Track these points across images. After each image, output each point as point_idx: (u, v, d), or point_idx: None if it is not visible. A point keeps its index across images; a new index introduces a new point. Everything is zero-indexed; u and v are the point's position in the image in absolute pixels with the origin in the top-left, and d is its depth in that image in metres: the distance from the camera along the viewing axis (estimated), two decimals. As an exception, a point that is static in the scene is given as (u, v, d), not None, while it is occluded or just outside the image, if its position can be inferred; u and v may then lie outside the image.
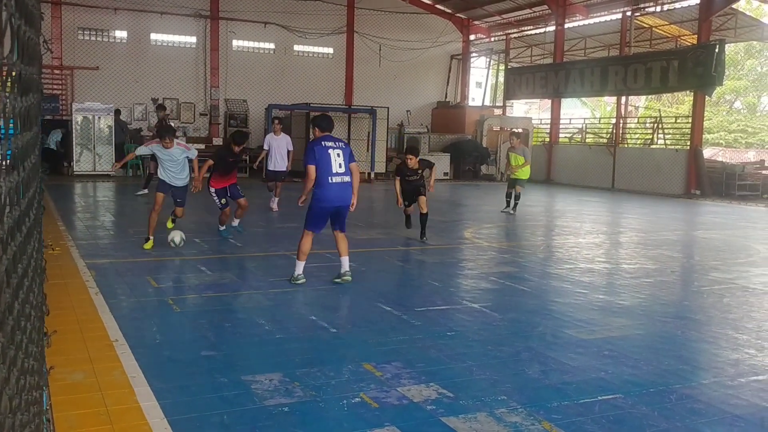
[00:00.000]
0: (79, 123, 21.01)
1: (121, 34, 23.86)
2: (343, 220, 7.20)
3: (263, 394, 4.16)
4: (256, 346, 5.16)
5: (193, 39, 24.75)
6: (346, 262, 7.28)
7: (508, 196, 14.86)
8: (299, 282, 7.10)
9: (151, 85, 23.99)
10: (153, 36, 24.26)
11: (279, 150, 13.93)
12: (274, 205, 14.02)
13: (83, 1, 22.59)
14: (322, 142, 6.92)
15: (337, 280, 7.28)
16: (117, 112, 22.66)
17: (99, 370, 4.46)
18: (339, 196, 6.91)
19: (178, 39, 24.67)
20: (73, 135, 20.94)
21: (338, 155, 6.85)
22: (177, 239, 9.03)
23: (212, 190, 10.25)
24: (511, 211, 14.56)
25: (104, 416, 3.77)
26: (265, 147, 14.21)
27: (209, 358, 4.82)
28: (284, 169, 14.07)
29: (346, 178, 6.92)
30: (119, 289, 6.77)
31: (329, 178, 6.78)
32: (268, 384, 4.32)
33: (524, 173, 14.63)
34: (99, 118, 21.29)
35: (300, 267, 7.18)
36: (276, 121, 14.60)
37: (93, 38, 23.38)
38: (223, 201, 10.21)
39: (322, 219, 7.09)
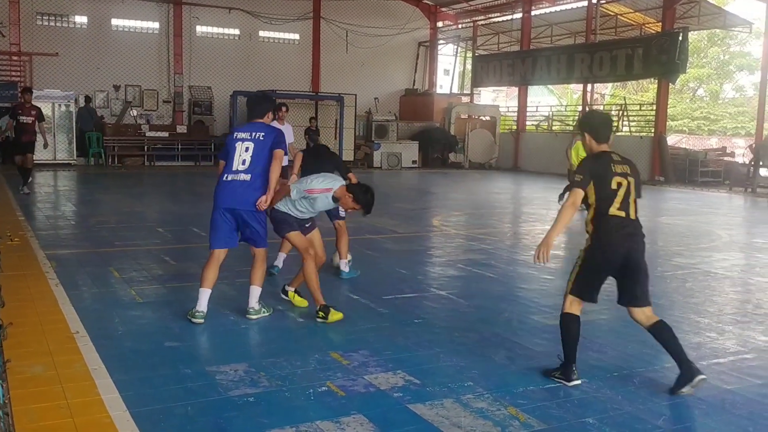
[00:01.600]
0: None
1: (81, 19, 23.34)
2: (251, 230, 5.52)
3: (228, 385, 4.11)
4: (220, 337, 5.10)
5: (155, 25, 24.32)
6: (253, 294, 5.56)
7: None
8: (196, 321, 5.30)
9: (113, 71, 23.53)
10: (114, 21, 23.78)
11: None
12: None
13: (42, -15, 22.08)
14: (235, 133, 5.62)
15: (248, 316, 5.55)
16: (87, 99, 22.24)
17: (59, 362, 4.37)
18: (231, 197, 5.38)
19: (141, 24, 24.22)
20: (33, 123, 20.45)
21: (246, 149, 5.41)
22: None
23: None
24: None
25: (65, 409, 3.69)
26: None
27: (173, 349, 4.75)
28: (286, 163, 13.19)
29: (246, 177, 5.36)
30: (80, 280, 6.64)
31: (225, 175, 5.45)
32: (233, 374, 4.27)
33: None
34: (59, 105, 20.84)
35: (201, 298, 5.39)
36: (284, 108, 13.42)
37: (52, 23, 22.85)
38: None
39: (221, 229, 5.49)
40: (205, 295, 5.38)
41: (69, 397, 3.85)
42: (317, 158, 7.36)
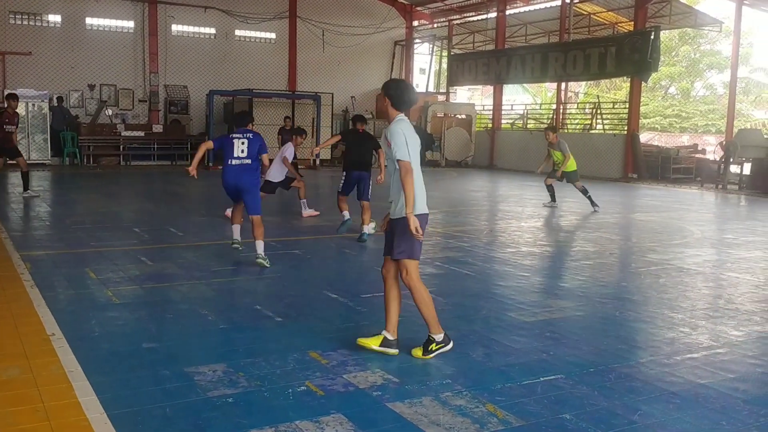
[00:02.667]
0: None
1: (54, 18, 23.05)
2: (249, 199, 7.71)
3: (207, 386, 4.10)
4: (199, 337, 5.09)
5: (130, 24, 24.10)
6: (259, 246, 7.60)
7: (550, 189, 14.11)
8: (236, 246, 8.11)
9: (88, 71, 23.29)
10: (89, 20, 23.52)
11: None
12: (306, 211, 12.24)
13: (13, -17, 21.76)
14: (231, 135, 7.90)
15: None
16: (60, 99, 21.95)
17: (35, 365, 4.33)
18: (236, 177, 7.66)
19: (115, 23, 23.98)
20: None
21: (242, 143, 7.70)
22: None
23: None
24: (596, 207, 13.42)
25: (41, 412, 3.66)
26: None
27: (151, 351, 4.73)
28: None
29: (247, 161, 7.68)
30: (56, 282, 6.58)
31: (230, 161, 7.68)
32: (212, 375, 4.27)
33: (571, 166, 13.73)
34: (33, 105, 20.57)
35: (235, 232, 8.20)
36: (303, 135, 13.01)
37: (25, 22, 22.55)
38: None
39: (231, 196, 7.99)
40: (237, 228, 8.12)
41: (45, 400, 3.82)
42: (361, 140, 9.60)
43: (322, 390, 4.09)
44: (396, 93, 4.94)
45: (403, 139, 4.74)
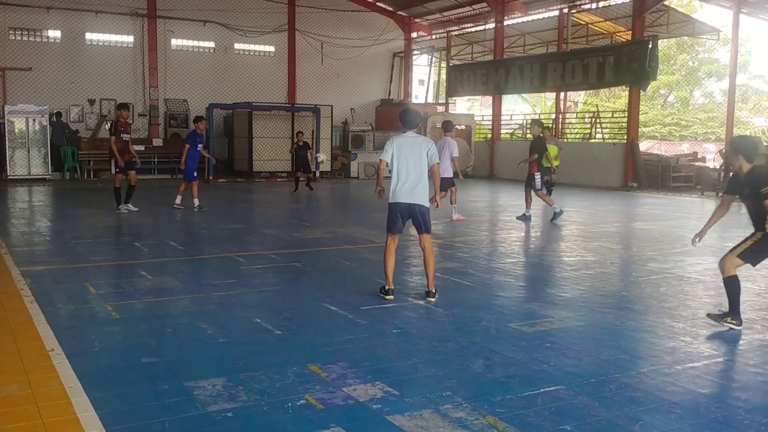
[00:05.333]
0: (12, 126, 20.34)
1: (54, 33, 23.17)
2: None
3: (206, 400, 4.09)
4: (198, 351, 5.08)
5: (130, 38, 24.21)
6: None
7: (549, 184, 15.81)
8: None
9: (88, 85, 23.39)
10: (88, 35, 23.64)
11: (444, 154, 12.40)
12: (455, 215, 13.08)
13: (14, -1, 21.87)
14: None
15: None
16: (58, 115, 22.02)
17: (34, 381, 4.32)
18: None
19: (115, 38, 24.10)
20: (6, 138, 20.25)
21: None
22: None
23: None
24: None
25: (41, 429, 3.65)
26: (455, 153, 12.86)
27: (150, 365, 4.72)
28: (449, 175, 12.57)
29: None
30: (56, 297, 6.57)
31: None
32: (211, 389, 4.26)
33: (556, 161, 16.00)
34: (33, 120, 20.65)
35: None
36: (451, 127, 13.27)
37: (25, 38, 22.67)
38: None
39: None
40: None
41: (45, 416, 3.81)
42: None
43: (322, 403, 4.08)
44: (400, 116, 6.79)
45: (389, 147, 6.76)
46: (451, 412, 3.99)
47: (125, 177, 13.30)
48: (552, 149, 15.69)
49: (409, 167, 6.68)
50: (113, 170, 13.53)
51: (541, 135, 13.48)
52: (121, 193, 13.37)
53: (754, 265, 6.10)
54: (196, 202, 13.96)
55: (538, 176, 12.93)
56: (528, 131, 26.96)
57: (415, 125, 6.90)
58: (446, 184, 12.24)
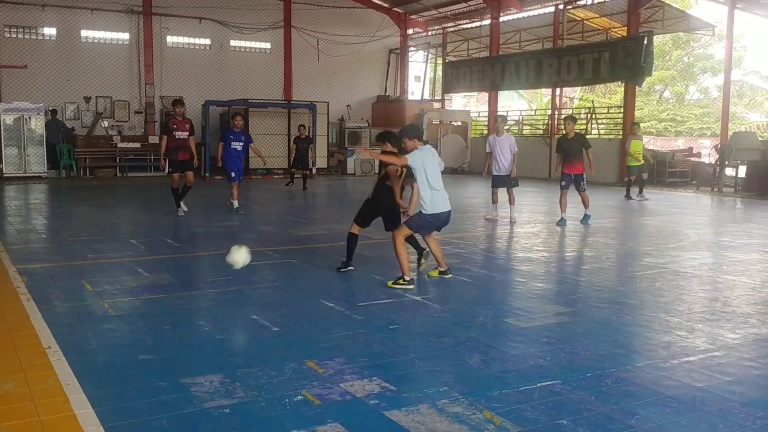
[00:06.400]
0: (8, 123, 20.28)
1: (49, 31, 23.09)
2: None
3: (203, 397, 4.10)
4: (195, 348, 5.08)
5: (125, 35, 24.14)
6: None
7: (640, 183, 16.53)
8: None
9: (83, 83, 23.31)
10: (84, 33, 23.55)
11: (502, 153, 12.19)
12: (495, 214, 12.60)
13: (8, -4, 21.80)
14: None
15: None
16: (53, 112, 21.96)
17: (31, 378, 4.32)
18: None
19: (110, 36, 24.01)
20: (2, 136, 20.20)
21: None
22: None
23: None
24: (644, 197, 16.40)
25: (38, 426, 3.66)
26: (488, 149, 12.50)
27: (147, 362, 4.73)
28: (507, 173, 12.26)
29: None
30: (52, 295, 6.57)
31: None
32: (209, 386, 4.26)
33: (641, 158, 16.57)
34: (29, 118, 20.59)
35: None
36: (500, 119, 12.95)
37: (20, 35, 22.58)
38: (563, 183, 11.90)
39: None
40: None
41: (42, 413, 3.81)
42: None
43: (319, 399, 4.09)
44: (412, 130, 7.32)
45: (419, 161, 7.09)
46: (448, 407, 4.00)
47: (181, 176, 12.39)
48: (637, 144, 16.24)
49: (437, 176, 7.11)
50: (166, 170, 12.51)
51: (578, 132, 12.80)
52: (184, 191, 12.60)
53: None
54: (235, 204, 13.12)
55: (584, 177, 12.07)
56: (525, 130, 27.00)
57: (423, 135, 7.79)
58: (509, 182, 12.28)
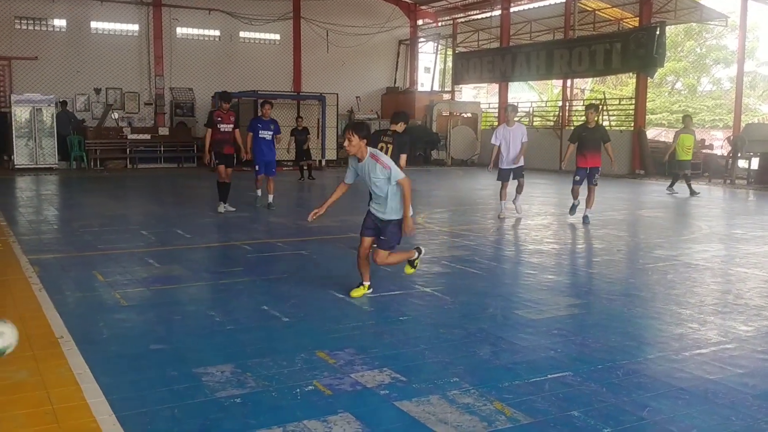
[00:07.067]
0: (19, 115, 20.38)
1: (59, 22, 23.16)
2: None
3: (215, 386, 4.11)
4: (206, 338, 5.10)
5: (135, 27, 24.18)
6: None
7: (687, 179, 16.08)
8: None
9: (93, 74, 23.39)
10: (93, 24, 23.62)
11: (514, 143, 11.52)
12: (505, 212, 11.88)
13: (18, -12, 21.87)
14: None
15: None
16: (63, 104, 22.04)
17: (44, 367, 4.35)
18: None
19: (120, 27, 24.07)
20: (13, 127, 20.29)
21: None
22: None
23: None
24: (674, 191, 16.17)
25: (50, 415, 3.68)
26: (494, 141, 11.72)
27: (158, 352, 4.74)
28: (521, 164, 11.67)
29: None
30: (64, 285, 6.61)
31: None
32: (220, 375, 4.27)
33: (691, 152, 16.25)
34: (40, 109, 20.67)
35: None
36: (510, 109, 12.18)
37: (31, 27, 22.66)
38: (576, 178, 11.29)
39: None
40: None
41: (54, 402, 3.83)
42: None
43: (330, 389, 4.10)
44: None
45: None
46: (458, 398, 4.00)
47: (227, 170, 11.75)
48: (687, 138, 15.94)
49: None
50: (212, 164, 11.90)
51: (599, 122, 11.94)
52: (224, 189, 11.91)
53: None
54: (269, 198, 12.44)
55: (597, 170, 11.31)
56: (535, 122, 26.87)
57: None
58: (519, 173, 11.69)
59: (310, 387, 4.13)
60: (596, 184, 11.31)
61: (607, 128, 21.41)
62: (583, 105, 30.04)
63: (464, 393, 4.07)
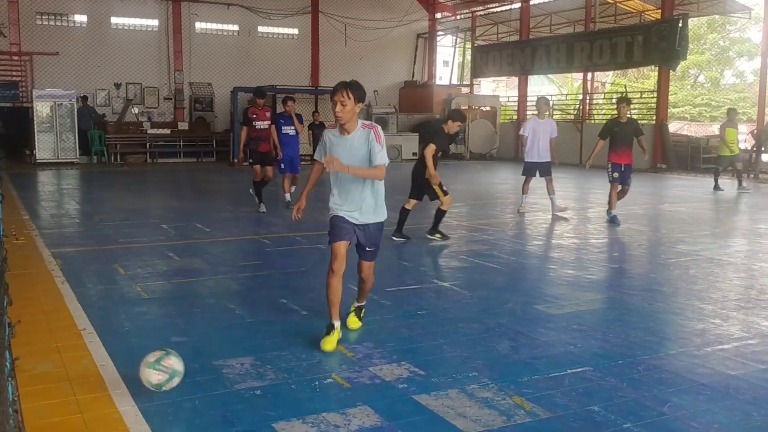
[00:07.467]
0: (40, 110, 20.60)
1: (80, 17, 23.36)
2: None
3: (235, 378, 4.14)
4: (226, 331, 5.13)
5: (155, 22, 24.32)
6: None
7: (717, 173, 15.83)
8: None
9: (114, 69, 23.57)
10: (113, 19, 23.80)
11: (543, 137, 11.32)
12: (524, 206, 11.73)
13: (40, -16, 22.08)
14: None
15: None
16: (84, 99, 22.25)
17: (67, 359, 4.40)
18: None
19: (140, 22, 24.22)
20: (35, 122, 20.52)
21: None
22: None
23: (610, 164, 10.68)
24: (744, 189, 15.71)
25: (74, 405, 3.73)
26: (524, 132, 11.51)
27: (179, 344, 4.76)
28: (548, 160, 11.43)
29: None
30: (86, 278, 6.67)
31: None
32: (240, 368, 4.30)
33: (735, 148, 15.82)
34: (61, 104, 20.88)
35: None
36: (542, 101, 11.81)
37: (52, 23, 22.87)
38: (615, 175, 10.55)
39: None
40: None
41: (77, 393, 3.88)
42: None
43: (349, 382, 4.11)
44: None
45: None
46: (477, 392, 3.99)
47: (262, 169, 11.35)
48: (731, 133, 15.51)
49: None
50: (247, 163, 11.70)
51: (630, 116, 11.49)
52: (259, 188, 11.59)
53: None
54: (287, 197, 12.01)
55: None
56: (555, 115, 26.70)
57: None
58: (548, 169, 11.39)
59: (329, 380, 4.14)
60: (629, 184, 10.74)
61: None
62: (604, 98, 29.87)
63: (483, 387, 4.06)
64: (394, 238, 8.67)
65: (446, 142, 8.88)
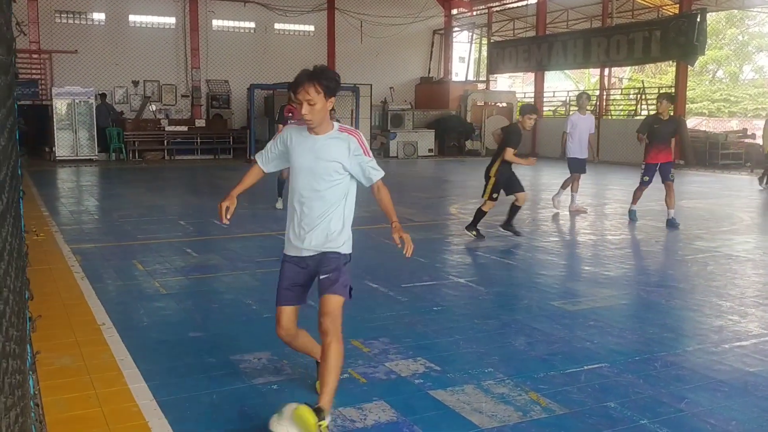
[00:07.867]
0: (60, 107, 20.79)
1: (98, 16, 23.54)
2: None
3: (252, 373, 4.17)
4: (243, 326, 5.17)
5: (172, 20, 24.46)
6: None
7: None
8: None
9: (131, 67, 23.73)
10: (131, 17, 23.96)
11: (584, 132, 11.25)
12: (574, 204, 11.37)
13: (59, -17, 22.28)
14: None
15: None
16: (102, 96, 22.43)
17: (87, 353, 4.46)
18: None
19: (157, 20, 24.37)
20: (54, 120, 20.71)
21: None
22: None
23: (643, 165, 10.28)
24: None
25: (93, 399, 3.78)
26: (568, 129, 11.36)
27: (197, 339, 4.83)
28: (586, 156, 11.34)
29: None
30: (105, 273, 6.75)
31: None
32: (257, 363, 4.34)
33: None
34: (80, 102, 21.06)
35: None
36: (584, 96, 11.86)
37: (70, 21, 23.06)
38: (645, 178, 10.19)
39: None
40: None
41: (97, 387, 3.93)
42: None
43: (365, 378, 4.13)
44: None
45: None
46: (493, 387, 4.00)
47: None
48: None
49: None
50: None
51: (673, 115, 11.06)
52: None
53: None
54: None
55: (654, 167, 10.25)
56: (571, 111, 26.55)
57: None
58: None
59: (345, 375, 4.16)
60: (673, 179, 10.17)
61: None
62: (621, 94, 29.65)
63: (499, 383, 4.07)
64: (501, 229, 9.09)
65: (520, 138, 8.84)
